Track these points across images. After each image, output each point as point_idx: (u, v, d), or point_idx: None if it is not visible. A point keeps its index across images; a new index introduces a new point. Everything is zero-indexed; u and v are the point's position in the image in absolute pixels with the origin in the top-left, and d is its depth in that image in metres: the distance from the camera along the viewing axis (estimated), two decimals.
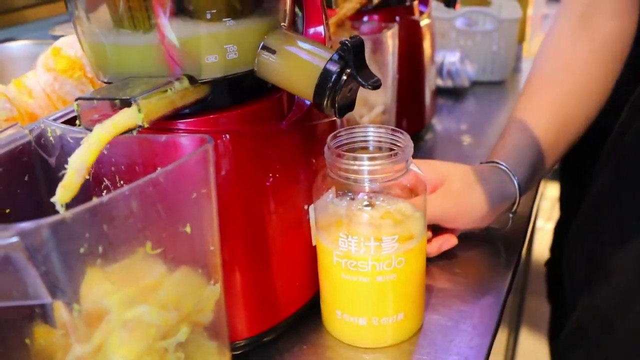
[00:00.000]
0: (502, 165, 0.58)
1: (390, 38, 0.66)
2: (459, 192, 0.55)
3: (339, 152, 0.43)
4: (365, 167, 0.43)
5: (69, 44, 0.60)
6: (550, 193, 2.47)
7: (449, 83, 1.06)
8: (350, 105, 0.42)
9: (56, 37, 0.78)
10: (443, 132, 0.95)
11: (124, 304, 0.34)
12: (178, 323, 0.37)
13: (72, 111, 0.51)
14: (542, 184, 2.04)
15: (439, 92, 1.07)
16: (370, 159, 0.42)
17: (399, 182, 0.44)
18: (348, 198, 0.45)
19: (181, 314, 0.37)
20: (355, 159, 0.43)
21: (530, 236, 1.30)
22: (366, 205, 0.45)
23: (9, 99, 0.57)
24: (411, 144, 0.45)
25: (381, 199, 0.45)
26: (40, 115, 0.62)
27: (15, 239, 0.28)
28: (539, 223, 2.01)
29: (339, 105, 0.40)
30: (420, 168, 0.46)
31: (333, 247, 0.44)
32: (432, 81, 0.90)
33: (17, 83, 0.64)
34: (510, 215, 0.59)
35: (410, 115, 0.84)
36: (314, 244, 0.47)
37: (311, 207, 0.47)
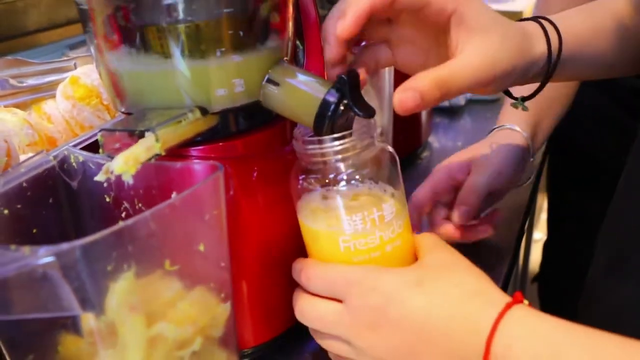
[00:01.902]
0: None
1: (387, 69, 0.70)
2: None
3: (305, 139, 0.44)
4: (335, 147, 0.43)
5: (86, 74, 0.64)
6: (546, 205, 2.50)
7: (445, 102, 1.10)
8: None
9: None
10: (440, 150, 0.99)
11: (147, 319, 0.38)
12: (193, 335, 0.41)
13: (91, 137, 0.55)
14: (540, 196, 2.07)
15: (436, 110, 1.11)
16: (336, 138, 0.43)
17: (369, 157, 0.45)
18: (324, 188, 0.45)
19: (196, 328, 0.41)
20: (320, 142, 0.43)
21: (527, 248, 1.34)
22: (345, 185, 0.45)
23: (31, 125, 0.62)
24: (374, 121, 0.45)
25: (357, 177, 0.45)
26: (58, 139, 0.66)
27: (51, 259, 0.32)
28: (537, 235, 2.04)
29: (336, 132, 0.44)
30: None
31: (337, 234, 0.44)
32: None
33: (37, 109, 0.68)
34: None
35: (407, 134, 0.88)
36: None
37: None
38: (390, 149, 0.46)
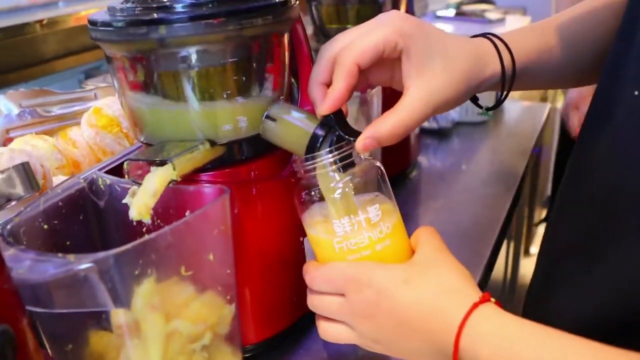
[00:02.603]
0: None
1: (375, 96, 0.79)
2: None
3: (302, 158, 0.51)
4: (327, 159, 0.50)
5: (108, 105, 0.73)
6: None
7: (434, 124, 1.18)
8: (351, 162, 0.51)
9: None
10: (428, 170, 1.06)
11: (166, 317, 0.46)
12: (204, 331, 0.49)
13: (114, 162, 0.64)
14: (537, 210, 2.13)
15: (425, 132, 1.19)
16: (329, 151, 0.49)
17: (358, 170, 0.51)
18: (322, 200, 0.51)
19: (206, 326, 0.49)
20: (314, 157, 0.50)
21: (515, 261, 1.41)
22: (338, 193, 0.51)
23: (59, 150, 0.70)
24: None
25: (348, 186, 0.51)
26: (82, 163, 0.75)
27: (91, 264, 0.40)
28: (533, 250, 2.11)
29: (341, 164, 0.50)
30: None
31: (331, 237, 0.50)
32: None
33: (63, 135, 0.77)
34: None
35: (396, 155, 0.96)
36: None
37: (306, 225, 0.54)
38: (378, 163, 0.54)
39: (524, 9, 2.24)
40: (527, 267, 1.49)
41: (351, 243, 0.50)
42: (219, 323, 0.49)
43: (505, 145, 1.16)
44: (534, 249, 2.16)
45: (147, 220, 0.48)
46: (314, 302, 0.51)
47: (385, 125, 0.50)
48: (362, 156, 0.52)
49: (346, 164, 0.51)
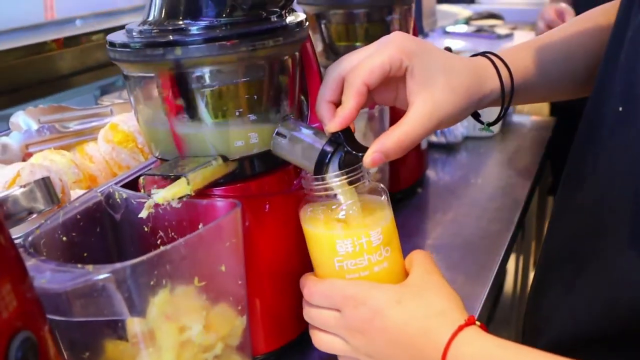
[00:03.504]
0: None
1: (383, 112, 0.80)
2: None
3: (312, 177, 0.53)
4: (335, 183, 0.52)
5: (124, 121, 0.75)
6: None
7: (442, 139, 1.20)
8: (359, 185, 0.53)
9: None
10: (436, 185, 1.08)
11: (179, 326, 0.48)
12: (216, 341, 0.50)
13: (130, 176, 0.66)
14: (546, 225, 2.12)
15: (433, 146, 1.21)
16: (337, 175, 0.52)
17: (363, 192, 0.54)
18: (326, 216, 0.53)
19: (218, 336, 0.50)
20: (324, 178, 0.52)
21: (524, 273, 1.41)
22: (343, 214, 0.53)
23: (77, 164, 0.72)
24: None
25: (353, 208, 0.53)
26: (99, 177, 0.77)
27: (109, 275, 0.42)
28: None
29: (349, 187, 0.52)
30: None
31: (333, 255, 0.52)
32: (422, 141, 1.04)
33: (80, 150, 0.79)
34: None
35: (405, 170, 0.97)
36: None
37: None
38: (382, 185, 0.56)
39: (532, 24, 2.26)
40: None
41: (351, 263, 0.53)
42: (231, 335, 0.51)
43: (513, 160, 1.17)
44: None
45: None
46: (312, 315, 0.54)
47: (392, 139, 0.52)
48: (368, 179, 0.55)
49: (354, 186, 0.53)
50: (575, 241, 0.57)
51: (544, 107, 1.94)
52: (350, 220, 0.53)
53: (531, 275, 1.51)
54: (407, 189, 0.99)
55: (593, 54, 0.64)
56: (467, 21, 2.18)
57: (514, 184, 1.05)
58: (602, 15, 0.65)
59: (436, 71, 0.54)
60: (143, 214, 0.50)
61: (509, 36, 1.79)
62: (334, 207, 0.53)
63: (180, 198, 0.50)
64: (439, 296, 0.51)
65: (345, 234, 0.52)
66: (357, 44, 0.91)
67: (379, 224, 0.53)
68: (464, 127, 1.21)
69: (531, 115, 1.47)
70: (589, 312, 0.53)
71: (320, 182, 0.53)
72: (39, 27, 1.37)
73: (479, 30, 1.94)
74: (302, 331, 0.60)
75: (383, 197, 0.55)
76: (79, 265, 0.43)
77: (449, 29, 1.94)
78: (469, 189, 1.04)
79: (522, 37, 1.78)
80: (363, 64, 0.52)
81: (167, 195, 0.49)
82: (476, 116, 0.63)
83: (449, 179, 1.11)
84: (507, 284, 1.51)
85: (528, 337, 0.65)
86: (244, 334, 0.53)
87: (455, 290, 0.52)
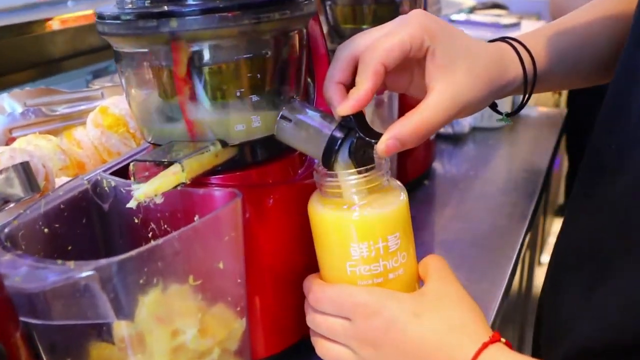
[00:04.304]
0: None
1: (392, 98, 0.75)
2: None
3: (325, 172, 0.48)
4: (351, 182, 0.47)
5: (114, 104, 0.70)
6: (555, 229, 2.54)
7: (449, 130, 1.15)
8: (370, 163, 0.48)
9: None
10: (443, 177, 1.03)
11: (172, 332, 0.43)
12: (212, 346, 0.46)
13: (120, 162, 0.61)
14: (548, 219, 2.10)
15: (440, 137, 1.16)
16: (353, 173, 0.47)
17: (380, 192, 0.49)
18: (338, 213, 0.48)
19: (215, 341, 0.46)
20: (338, 175, 0.47)
21: (530, 270, 1.38)
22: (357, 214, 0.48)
23: (63, 150, 0.67)
24: (388, 163, 0.50)
25: (368, 209, 0.48)
26: (87, 164, 0.72)
27: (92, 272, 0.37)
28: (544, 258, 2.07)
29: (359, 166, 0.48)
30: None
31: (345, 259, 0.48)
32: None
33: (68, 135, 0.74)
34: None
35: (412, 161, 0.93)
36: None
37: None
38: (400, 183, 0.51)
39: (538, 14, 2.21)
40: (540, 277, 1.46)
41: (365, 269, 0.48)
42: (229, 338, 0.46)
43: (523, 152, 1.13)
44: (545, 257, 2.13)
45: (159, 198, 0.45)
46: (317, 322, 0.49)
47: (409, 125, 0.47)
48: (387, 176, 0.50)
49: (372, 185, 0.48)
50: (597, 240, 0.53)
51: (550, 98, 1.89)
52: (366, 222, 0.48)
53: (536, 271, 1.47)
54: (413, 181, 0.95)
55: (617, 38, 0.60)
56: (472, 10, 2.13)
57: (525, 178, 1.01)
58: None
59: (459, 54, 0.50)
60: (131, 204, 0.45)
61: (515, 25, 1.74)
62: (347, 206, 0.48)
63: (173, 187, 0.45)
64: (460, 308, 0.46)
65: (361, 237, 0.47)
66: (364, 26, 0.86)
67: (397, 227, 0.49)
68: (471, 117, 1.17)
69: (538, 106, 1.43)
70: (616, 317, 0.49)
71: (334, 179, 0.48)
72: (29, 7, 1.31)
73: (484, 19, 1.89)
74: (305, 334, 0.55)
75: (402, 196, 0.50)
76: (59, 262, 0.38)
77: (454, 17, 1.88)
78: (477, 182, 1.00)
79: (529, 27, 1.74)
80: (381, 42, 0.47)
81: (148, 190, 0.44)
82: (493, 106, 0.58)
83: (457, 171, 1.07)
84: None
85: (545, 345, 0.60)
86: (243, 338, 0.48)
87: (469, 291, 0.48)
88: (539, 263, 1.90)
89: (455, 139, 1.17)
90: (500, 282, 0.69)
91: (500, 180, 1.01)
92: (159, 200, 0.45)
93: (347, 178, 0.48)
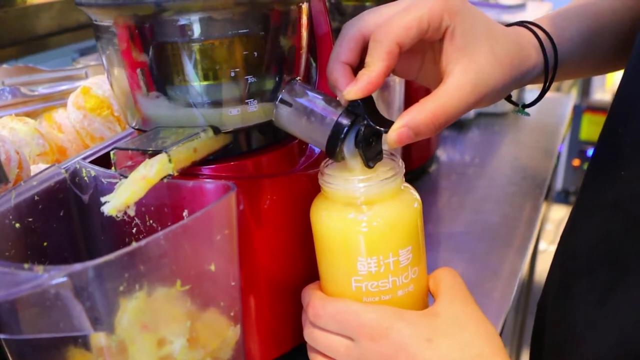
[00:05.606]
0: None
1: (397, 81, 0.70)
2: None
3: (330, 174, 0.44)
4: (360, 188, 0.43)
5: (97, 85, 0.65)
6: (554, 215, 2.50)
7: None
8: (378, 155, 0.44)
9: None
10: (448, 164, 0.99)
11: (158, 341, 0.38)
12: (203, 357, 0.41)
13: (102, 149, 0.55)
14: (546, 206, 2.07)
15: None
16: (361, 180, 0.43)
17: (392, 200, 0.44)
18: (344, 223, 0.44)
19: (206, 351, 0.41)
20: (346, 181, 0.43)
21: (532, 259, 1.34)
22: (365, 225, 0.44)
23: (42, 134, 0.62)
24: (402, 165, 0.45)
25: (378, 219, 0.44)
26: (69, 149, 0.67)
27: (64, 279, 0.32)
28: (542, 246, 2.04)
29: (367, 157, 0.43)
30: None
31: (350, 274, 0.44)
32: None
33: (48, 118, 0.69)
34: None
35: (416, 148, 0.88)
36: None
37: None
38: (413, 189, 0.46)
39: None
40: (539, 265, 1.42)
41: (372, 285, 0.44)
42: (221, 348, 0.42)
43: (530, 139, 1.08)
44: (543, 244, 2.10)
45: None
46: (317, 338, 0.45)
47: (425, 112, 0.42)
48: (402, 181, 0.45)
49: (384, 190, 0.43)
50: (611, 243, 0.48)
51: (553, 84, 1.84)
52: (376, 234, 0.43)
53: (537, 270, 1.43)
54: (417, 169, 0.90)
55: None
56: None
57: (534, 166, 0.96)
58: None
59: (479, 35, 0.44)
60: (106, 210, 0.39)
61: (520, 7, 1.68)
62: (355, 214, 0.43)
63: (160, 180, 0.40)
64: (477, 335, 0.42)
65: (369, 252, 0.43)
66: (367, 3, 0.80)
67: (410, 240, 0.44)
68: None
69: None
70: (632, 329, 0.44)
71: (341, 183, 0.43)
72: None
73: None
74: (302, 341, 0.51)
75: (416, 204, 0.45)
76: (26, 266, 0.33)
77: None
78: (484, 171, 0.95)
79: (535, 9, 1.68)
80: (396, 19, 0.42)
81: (118, 204, 0.39)
82: (508, 96, 0.53)
83: (461, 158, 1.02)
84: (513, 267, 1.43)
85: (548, 356, 0.55)
86: (237, 347, 0.43)
87: (480, 292, 0.43)
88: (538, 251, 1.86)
89: (459, 125, 1.12)
90: (512, 280, 0.64)
91: (507, 168, 0.97)
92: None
93: (357, 185, 0.43)
